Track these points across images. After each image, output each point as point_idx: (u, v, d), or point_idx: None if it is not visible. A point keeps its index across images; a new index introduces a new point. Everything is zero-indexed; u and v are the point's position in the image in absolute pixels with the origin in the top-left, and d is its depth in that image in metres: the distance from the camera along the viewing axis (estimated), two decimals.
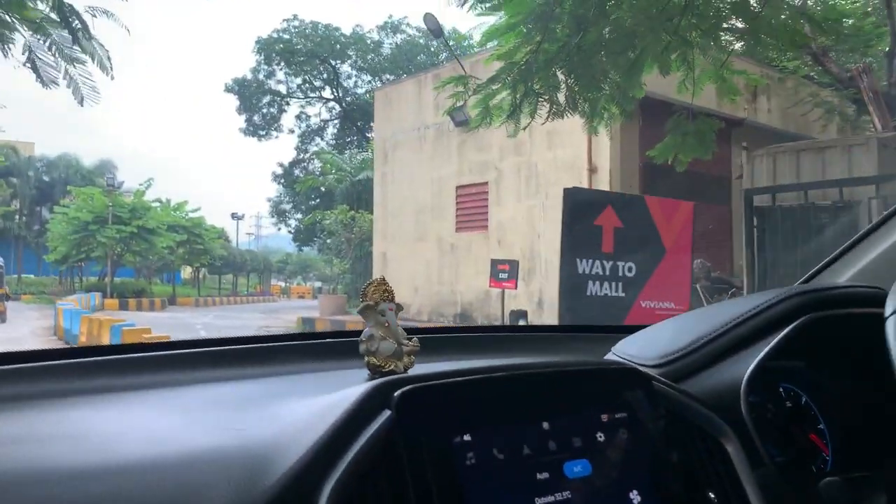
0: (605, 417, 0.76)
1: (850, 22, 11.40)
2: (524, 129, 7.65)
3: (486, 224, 12.70)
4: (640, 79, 7.51)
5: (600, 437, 0.74)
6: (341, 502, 0.60)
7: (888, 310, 0.65)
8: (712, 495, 0.76)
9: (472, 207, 13.02)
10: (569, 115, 7.84)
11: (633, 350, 0.99)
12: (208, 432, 0.70)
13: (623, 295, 6.06)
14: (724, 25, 8.53)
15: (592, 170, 10.84)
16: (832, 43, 10.68)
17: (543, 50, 6.68)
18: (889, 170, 6.73)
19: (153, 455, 0.64)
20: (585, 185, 10.86)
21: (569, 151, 11.12)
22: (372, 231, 16.26)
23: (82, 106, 8.23)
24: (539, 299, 11.45)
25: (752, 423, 0.79)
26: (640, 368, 0.84)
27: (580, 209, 6.30)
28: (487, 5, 6.63)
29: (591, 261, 6.04)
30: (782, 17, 8.27)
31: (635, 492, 0.73)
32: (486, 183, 12.70)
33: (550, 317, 10.70)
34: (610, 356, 1.02)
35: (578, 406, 0.76)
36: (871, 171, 6.59)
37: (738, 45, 8.85)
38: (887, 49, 11.42)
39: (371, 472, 0.64)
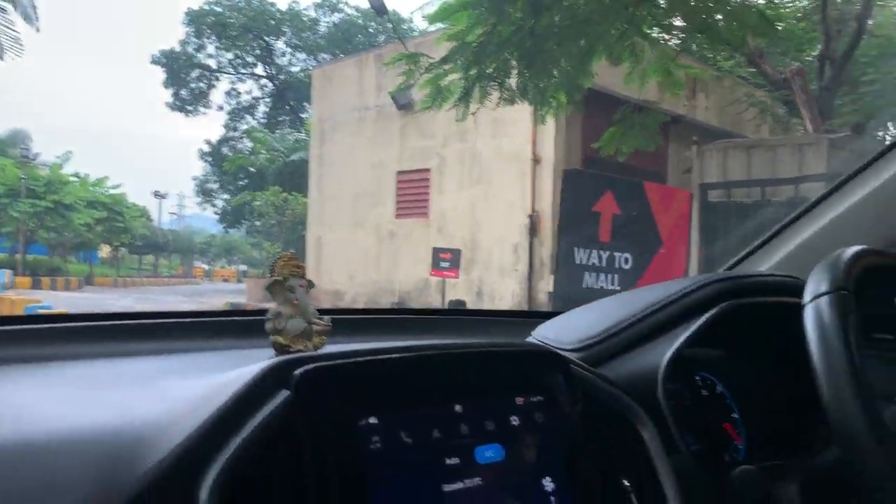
0: (520, 401, 0.74)
1: (783, 25, 11.71)
2: (472, 114, 7.50)
3: (427, 211, 12.51)
4: (590, 68, 7.46)
5: (514, 420, 0.73)
6: (228, 490, 0.56)
7: (806, 297, 0.67)
8: (626, 482, 0.76)
9: (413, 194, 12.79)
10: (518, 101, 7.73)
11: (552, 334, 0.98)
12: (85, 410, 0.65)
13: (619, 288, 5.82)
14: (675, 21, 8.58)
15: (536, 160, 10.78)
16: (767, 45, 10.94)
17: (497, 32, 6.54)
18: (837, 169, 6.94)
19: (16, 436, 0.59)
20: (528, 176, 10.81)
21: (513, 141, 11.03)
22: (306, 214, 15.83)
23: (2, 59, 7.52)
24: (479, 290, 11.35)
25: (668, 410, 0.79)
26: (559, 352, 0.82)
27: (580, 194, 5.96)
28: None
29: (588, 250, 5.77)
30: (729, 9, 8.37)
31: (549, 478, 0.72)
32: (428, 169, 12.49)
33: (490, 307, 10.63)
34: (529, 340, 1.01)
35: (493, 389, 0.74)
36: (820, 169, 6.74)
37: (687, 41, 8.93)
38: (818, 54, 11.81)
39: (265, 456, 0.60)
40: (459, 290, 10.92)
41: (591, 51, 7.06)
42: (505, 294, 11.01)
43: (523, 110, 9.17)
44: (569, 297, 5.65)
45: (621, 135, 8.77)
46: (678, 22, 8.90)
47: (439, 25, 7.63)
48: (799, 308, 0.68)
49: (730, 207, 6.89)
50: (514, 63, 7.01)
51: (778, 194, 6.80)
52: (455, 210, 11.88)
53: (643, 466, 0.76)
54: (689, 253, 6.18)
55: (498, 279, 11.17)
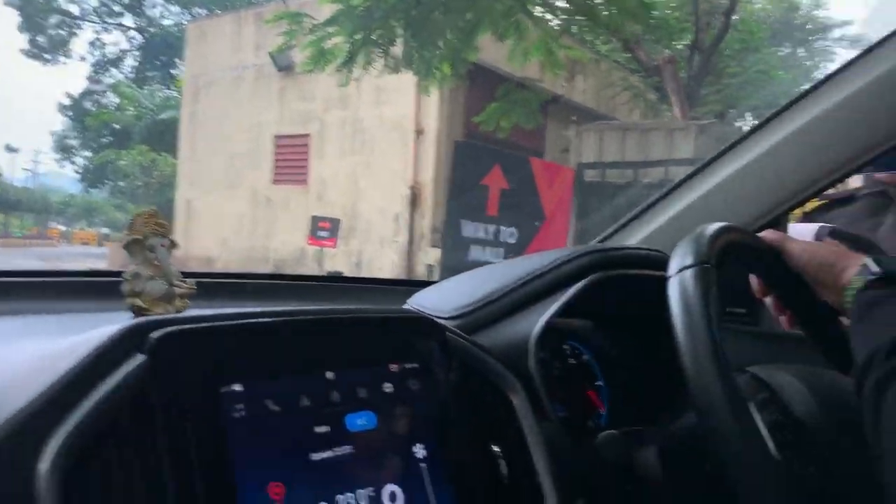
0: (394, 368, 0.72)
1: (658, 14, 12.22)
2: (356, 80, 7.35)
3: (307, 178, 12.19)
4: (475, 41, 7.50)
5: (388, 388, 0.71)
6: (73, 460, 0.52)
7: (671, 269, 0.68)
8: (496, 448, 0.77)
9: (291, 160, 12.41)
10: (403, 70, 7.65)
11: (429, 302, 0.98)
12: None
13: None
14: (558, 2, 8.75)
15: (419, 131, 10.73)
16: (642, 32, 11.39)
17: None
18: (703, 153, 7.34)
19: None
20: (411, 146, 10.76)
21: (396, 110, 10.90)
22: (175, 176, 15.04)
23: None
24: (358, 260, 11.23)
25: (539, 378, 0.81)
26: (434, 318, 0.81)
27: (469, 166, 5.96)
28: None
29: (475, 223, 5.80)
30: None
31: (420, 445, 0.71)
32: (308, 135, 12.14)
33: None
34: (406, 307, 0.99)
35: (366, 356, 0.72)
36: (688, 153, 7.13)
37: (569, 22, 9.14)
38: (690, 44, 12.44)
39: (117, 425, 0.56)
40: (338, 260, 10.76)
41: (477, 24, 7.08)
42: (384, 265, 10.96)
43: (407, 80, 9.09)
44: (455, 269, 5.68)
45: (503, 110, 8.91)
46: (561, 3, 9.12)
47: None
48: (663, 281, 0.70)
49: (604, 187, 7.17)
50: (399, 31, 6.92)
51: (649, 176, 7.14)
52: (335, 178, 11.65)
53: (514, 433, 0.77)
54: (569, 229, 6.39)
55: (378, 250, 11.10)
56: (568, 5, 9.07)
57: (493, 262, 5.91)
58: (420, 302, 1.00)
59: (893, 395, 0.58)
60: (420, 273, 10.27)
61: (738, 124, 15.62)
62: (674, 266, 0.69)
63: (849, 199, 1.63)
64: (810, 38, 17.29)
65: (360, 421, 0.69)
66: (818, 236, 1.33)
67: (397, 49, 7.25)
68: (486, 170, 5.75)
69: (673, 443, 0.81)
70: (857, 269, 0.71)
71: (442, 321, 0.82)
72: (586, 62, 12.24)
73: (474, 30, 7.14)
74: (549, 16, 8.75)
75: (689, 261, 0.68)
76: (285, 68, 11.80)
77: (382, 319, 0.78)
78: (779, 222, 1.13)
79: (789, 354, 0.85)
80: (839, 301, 0.73)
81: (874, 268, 0.70)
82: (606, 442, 0.81)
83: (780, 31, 16.42)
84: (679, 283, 0.67)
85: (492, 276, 0.99)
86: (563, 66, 9.26)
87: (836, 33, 17.41)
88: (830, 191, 1.30)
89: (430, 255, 10.11)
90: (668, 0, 13.64)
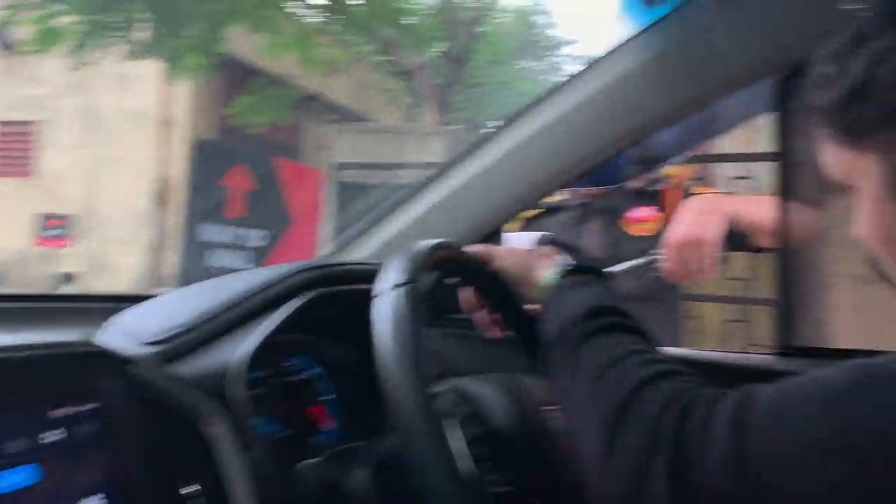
0: (63, 412, 0.64)
1: (414, 20, 12.65)
2: (92, 64, 6.72)
3: (33, 171, 10.85)
4: (227, 31, 7.23)
5: (55, 435, 0.63)
6: None
7: (375, 290, 0.70)
8: (194, 488, 0.71)
9: (15, 149, 10.96)
10: (147, 58, 7.15)
11: (129, 325, 0.88)
12: None
13: (250, 267, 5.58)
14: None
15: (167, 123, 10.02)
16: (399, 36, 11.73)
17: None
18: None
19: None
20: (158, 140, 10.04)
21: (140, 100, 10.06)
22: None
23: None
24: (97, 262, 10.23)
25: (249, 403, 0.77)
26: (120, 350, 0.74)
27: (208, 166, 5.54)
28: None
29: (215, 226, 5.40)
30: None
31: (101, 495, 0.64)
32: (35, 122, 10.81)
33: (110, 282, 9.68)
34: (102, 332, 0.89)
35: (26, 399, 0.63)
36: (442, 157, 7.47)
37: (327, 21, 9.14)
38: (443, 52, 13.05)
39: None
40: (74, 261, 9.74)
41: (229, 15, 6.83)
42: (127, 267, 10.11)
43: (153, 68, 8.46)
44: (192, 275, 5.35)
45: (255, 105, 8.68)
46: (318, 0, 9.09)
47: None
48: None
49: (361, 187, 7.28)
50: (141, 16, 6.45)
51: (404, 177, 7.38)
52: (70, 171, 10.48)
53: (214, 468, 0.73)
54: (319, 231, 6.32)
55: (119, 250, 10.20)
56: (326, 2, 9.07)
57: (235, 267, 5.69)
58: (120, 324, 0.90)
59: (590, 350, 0.66)
60: (167, 275, 9.64)
61: (483, 131, 16.72)
62: (377, 286, 0.71)
63: (558, 209, 1.82)
64: (545, 53, 19.01)
65: (18, 478, 0.60)
66: (540, 242, 1.45)
67: (142, 35, 6.74)
68: (227, 169, 5.50)
69: (384, 461, 0.81)
70: (553, 268, 0.80)
71: (136, 349, 0.76)
72: (345, 62, 12.32)
73: (225, 20, 6.86)
74: (306, 12, 8.68)
75: (391, 281, 0.70)
76: (8, 45, 10.40)
77: (47, 357, 0.68)
78: (498, 233, 1.22)
79: (510, 358, 0.90)
80: (537, 297, 0.80)
81: (565, 265, 0.79)
82: (308, 469, 0.80)
83: (521, 46, 17.85)
84: (380, 304, 0.69)
85: (202, 295, 0.94)
86: (321, 63, 9.24)
87: (565, 50, 19.35)
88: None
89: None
90: (423, 8, 14.19)
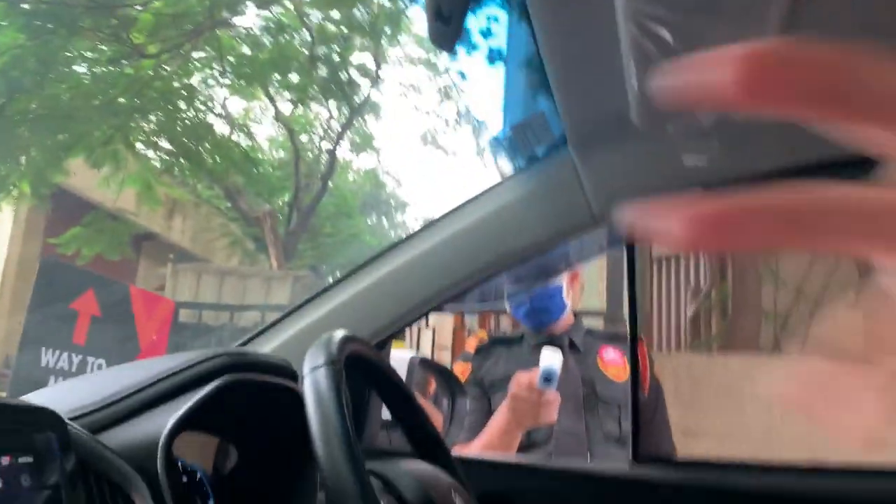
0: (4, 461, 0.65)
1: (262, 169, 12.89)
2: None
3: None
4: (64, 164, 7.02)
5: None
6: None
7: (306, 369, 0.75)
8: None
9: None
10: None
11: (48, 399, 0.87)
12: None
13: None
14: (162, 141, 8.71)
15: None
16: (245, 183, 11.87)
17: None
18: (300, 299, 7.71)
19: None
20: None
21: None
22: None
23: None
24: None
25: (167, 481, 0.78)
26: (53, 410, 0.75)
27: (57, 288, 5.09)
28: None
29: (58, 352, 4.91)
30: (216, 142, 8.87)
31: None
32: None
33: None
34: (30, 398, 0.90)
35: None
36: (285, 300, 7.40)
37: (172, 162, 9.10)
38: (288, 201, 13.27)
39: None
40: None
41: (71, 147, 6.66)
42: None
43: None
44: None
45: (86, 238, 8.29)
46: (165, 143, 9.09)
47: None
48: (287, 389, 0.77)
49: (200, 328, 7.02)
50: None
51: (245, 320, 7.22)
52: None
53: None
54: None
55: None
56: (171, 146, 9.07)
57: None
58: (42, 397, 0.90)
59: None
60: None
61: (329, 278, 16.85)
62: (308, 365, 0.75)
63: (510, 340, 1.88)
64: (393, 211, 19.88)
65: None
66: (410, 363, 1.50)
67: None
68: (77, 293, 5.17)
69: None
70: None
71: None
72: (186, 203, 12.16)
73: (66, 152, 6.68)
74: (150, 152, 8.62)
75: (320, 360, 0.75)
76: None
77: None
78: (396, 337, 1.30)
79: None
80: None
81: None
82: None
83: (369, 202, 18.55)
84: (312, 381, 0.73)
85: (116, 376, 0.94)
86: (161, 202, 9.08)
87: (411, 211, 20.39)
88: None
89: None
90: (271, 158, 14.52)
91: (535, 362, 1.51)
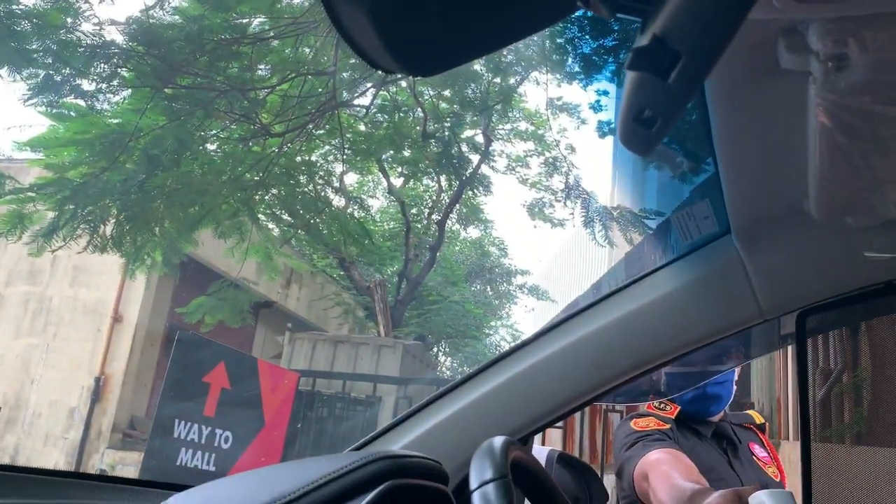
0: None
1: (374, 241, 13.28)
2: (53, 251, 6.78)
3: None
4: (194, 234, 7.43)
5: None
6: None
7: (473, 483, 0.72)
8: None
9: None
10: (110, 251, 7.25)
11: None
12: None
13: (213, 469, 5.20)
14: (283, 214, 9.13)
15: (118, 318, 9.86)
16: (358, 254, 12.23)
17: (104, 177, 6.18)
18: (409, 372, 7.73)
19: None
20: (105, 333, 9.81)
21: (94, 292, 9.99)
22: None
23: None
24: (13, 456, 9.49)
25: None
26: None
27: (192, 362, 5.35)
28: (53, 110, 5.94)
29: (189, 424, 5.09)
30: (332, 214, 9.20)
31: None
32: None
33: None
34: None
35: None
36: (395, 370, 7.44)
37: (292, 233, 9.51)
38: (398, 271, 13.56)
39: None
40: None
41: (200, 220, 7.07)
42: (46, 464, 9.37)
43: (110, 262, 8.52)
44: (160, 474, 4.98)
45: (210, 306, 8.71)
46: (286, 216, 9.54)
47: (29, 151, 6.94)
48: (445, 495, 0.74)
49: (312, 396, 7.14)
50: (114, 211, 6.64)
51: (356, 389, 7.29)
52: (3, 361, 10.06)
53: None
54: (283, 437, 6.04)
55: (39, 447, 9.52)
56: (291, 219, 9.51)
57: (202, 468, 5.33)
58: None
59: None
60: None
61: (435, 349, 16.92)
62: (476, 479, 0.73)
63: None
64: (497, 280, 19.83)
65: None
66: (549, 458, 1.44)
67: (109, 229, 6.89)
68: (210, 367, 5.34)
69: None
70: None
71: None
72: (303, 272, 12.64)
73: (196, 224, 7.10)
74: (272, 224, 9.04)
75: (488, 474, 0.72)
76: None
77: None
78: (533, 436, 1.24)
79: None
80: None
81: None
82: None
83: (474, 271, 18.66)
84: (482, 497, 0.71)
85: (265, 480, 0.89)
86: (280, 272, 9.47)
87: (518, 280, 20.21)
88: None
89: (105, 458, 8.95)
90: (383, 229, 14.95)
91: (716, 455, 1.43)
